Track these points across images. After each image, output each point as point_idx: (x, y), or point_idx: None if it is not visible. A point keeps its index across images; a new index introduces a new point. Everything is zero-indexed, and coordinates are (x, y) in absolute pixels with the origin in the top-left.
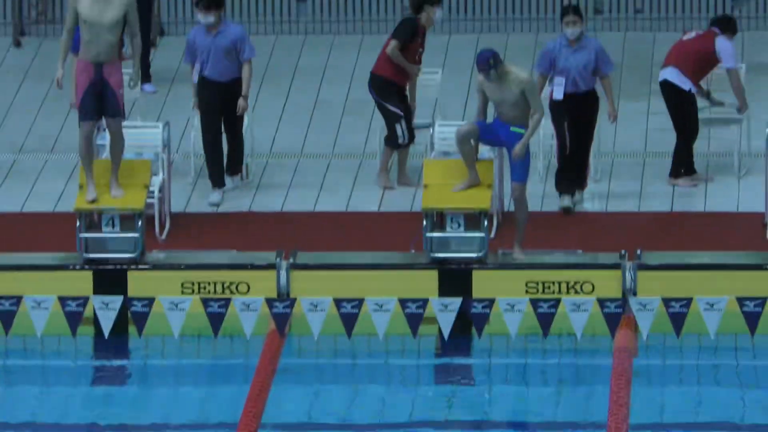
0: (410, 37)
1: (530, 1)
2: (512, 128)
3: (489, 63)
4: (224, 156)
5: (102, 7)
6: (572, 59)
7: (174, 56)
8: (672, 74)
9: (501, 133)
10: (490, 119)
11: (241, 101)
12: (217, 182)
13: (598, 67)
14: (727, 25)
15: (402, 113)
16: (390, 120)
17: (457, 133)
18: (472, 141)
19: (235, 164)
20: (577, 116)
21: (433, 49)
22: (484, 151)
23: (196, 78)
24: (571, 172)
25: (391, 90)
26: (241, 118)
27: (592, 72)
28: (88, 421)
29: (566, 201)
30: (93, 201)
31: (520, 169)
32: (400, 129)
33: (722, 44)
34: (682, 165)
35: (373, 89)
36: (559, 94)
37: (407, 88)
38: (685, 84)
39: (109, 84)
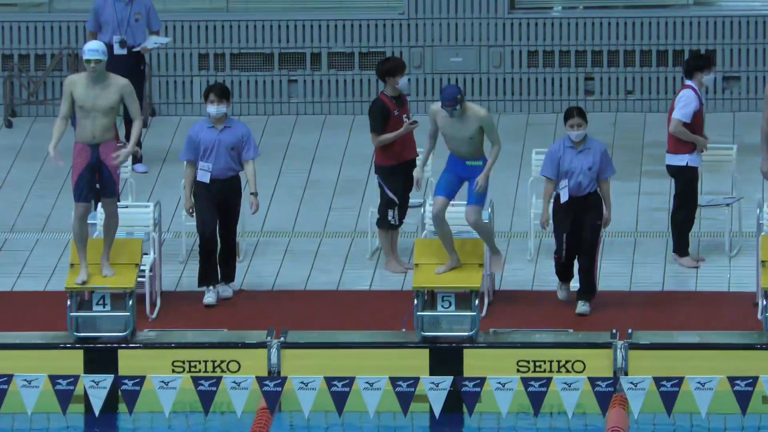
0: (383, 119)
1: (521, 81)
2: (468, 162)
3: (457, 99)
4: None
5: (98, 93)
6: (576, 161)
7: (165, 136)
8: (669, 159)
9: (459, 171)
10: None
11: (252, 198)
12: (212, 281)
13: (600, 170)
14: (695, 64)
15: (398, 201)
16: (385, 204)
17: (433, 217)
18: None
19: (230, 270)
20: (580, 219)
21: (423, 130)
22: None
23: (205, 177)
24: (570, 269)
25: (394, 175)
26: (236, 219)
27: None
28: None
29: (564, 293)
30: (84, 283)
31: (478, 195)
32: (391, 214)
33: (680, 94)
34: (685, 240)
35: (377, 174)
36: (565, 196)
37: (416, 158)
38: (681, 160)
39: (106, 164)
